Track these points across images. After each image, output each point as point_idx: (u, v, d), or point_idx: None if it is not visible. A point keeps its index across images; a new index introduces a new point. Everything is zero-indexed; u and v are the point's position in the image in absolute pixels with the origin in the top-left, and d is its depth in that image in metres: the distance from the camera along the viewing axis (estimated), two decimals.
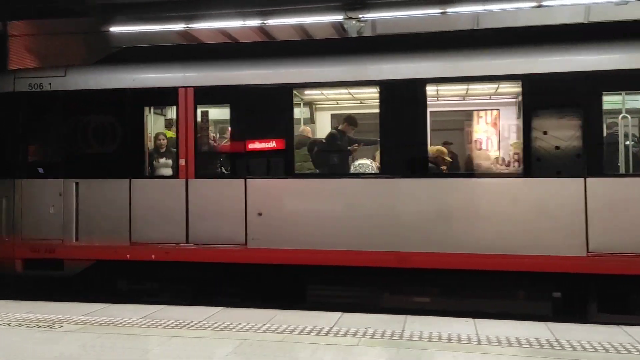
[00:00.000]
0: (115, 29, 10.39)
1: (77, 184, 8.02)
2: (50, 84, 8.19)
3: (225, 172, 7.98)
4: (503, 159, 7.98)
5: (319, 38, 13.27)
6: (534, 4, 9.24)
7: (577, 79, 6.82)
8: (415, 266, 7.11)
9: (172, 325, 6.08)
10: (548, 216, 6.77)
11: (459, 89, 8.19)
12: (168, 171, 8.00)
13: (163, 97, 8.11)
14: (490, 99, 8.55)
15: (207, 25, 10.70)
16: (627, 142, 6.83)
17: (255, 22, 10.45)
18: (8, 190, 8.19)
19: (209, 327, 6.01)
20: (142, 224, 7.82)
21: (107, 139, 8.05)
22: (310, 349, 5.19)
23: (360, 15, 10.12)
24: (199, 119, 7.91)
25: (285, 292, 7.73)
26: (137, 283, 8.01)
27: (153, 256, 7.78)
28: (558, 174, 6.81)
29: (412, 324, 6.02)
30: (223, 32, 13.34)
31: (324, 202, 7.42)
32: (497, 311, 6.79)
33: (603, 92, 6.83)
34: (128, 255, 7.85)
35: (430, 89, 7.45)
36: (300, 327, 5.92)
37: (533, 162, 6.90)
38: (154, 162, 8.11)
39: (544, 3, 9.22)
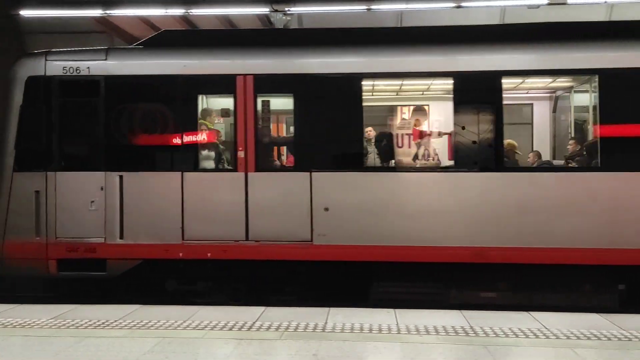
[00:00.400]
0: (26, 12, 9.73)
1: (121, 177, 7.41)
2: (88, 68, 7.50)
3: (286, 165, 7.80)
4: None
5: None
6: (452, 4, 9.39)
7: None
8: (492, 261, 7.01)
9: (86, 325, 5.81)
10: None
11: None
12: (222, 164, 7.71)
13: (219, 85, 7.57)
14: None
15: (127, 12, 10.21)
16: None
17: (178, 11, 10.12)
18: (40, 184, 7.42)
19: (125, 326, 5.79)
20: (196, 220, 7.34)
21: (155, 129, 7.48)
22: (232, 344, 5.11)
23: (287, 9, 10.04)
24: (259, 108, 7.51)
25: (346, 289, 7.43)
26: (185, 283, 7.61)
27: (209, 254, 7.33)
28: None
29: (335, 316, 6.07)
30: (145, 20, 12.83)
31: (394, 196, 7.20)
32: (566, 304, 6.85)
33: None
34: (181, 254, 7.35)
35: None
36: (223, 323, 5.83)
37: None
38: (205, 152, 7.64)
39: (463, 4, 9.36)
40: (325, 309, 6.32)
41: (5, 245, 7.43)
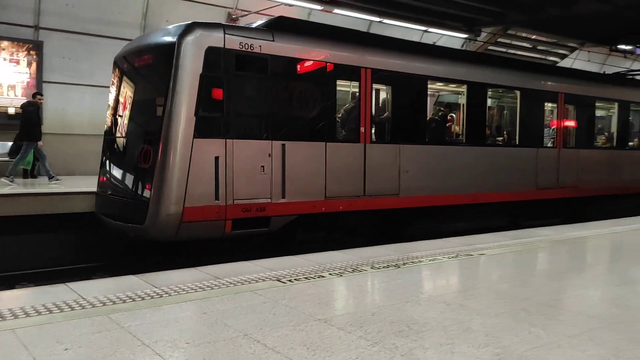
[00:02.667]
0: None
1: (283, 145, 8.01)
2: (260, 46, 7.86)
3: (388, 139, 9.43)
4: None
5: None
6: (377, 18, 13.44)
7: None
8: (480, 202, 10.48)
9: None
10: None
11: None
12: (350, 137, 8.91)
13: (350, 74, 8.82)
14: None
15: None
16: None
17: None
18: (220, 150, 7.44)
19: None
20: (333, 181, 8.48)
21: (308, 105, 8.40)
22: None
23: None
24: (373, 95, 9.21)
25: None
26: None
27: (341, 207, 8.62)
28: None
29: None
30: None
31: (445, 163, 10.02)
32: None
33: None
34: (323, 208, 8.44)
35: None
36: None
37: None
38: (340, 127, 8.97)
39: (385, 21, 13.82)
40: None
41: (185, 210, 7.26)
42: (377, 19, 15.57)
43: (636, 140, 14.57)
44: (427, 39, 19.14)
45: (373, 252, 6.36)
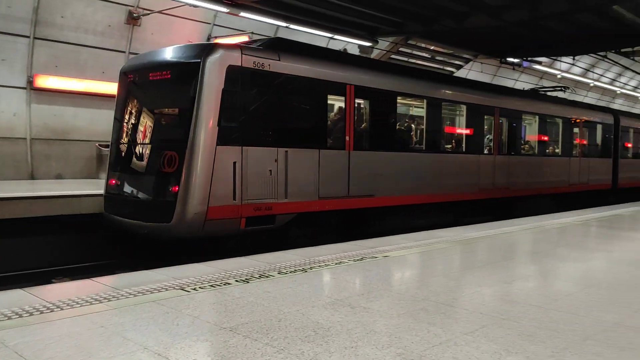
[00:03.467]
0: None
1: (286, 152, 8.96)
2: (269, 65, 8.84)
3: (367, 146, 10.65)
4: None
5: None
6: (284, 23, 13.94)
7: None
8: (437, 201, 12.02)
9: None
10: None
11: None
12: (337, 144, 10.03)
13: (338, 89, 9.98)
14: None
15: None
16: None
17: None
18: (237, 156, 8.36)
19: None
20: (325, 183, 9.57)
21: (306, 116, 9.56)
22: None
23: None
24: (356, 108, 10.30)
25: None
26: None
27: (331, 207, 9.74)
28: None
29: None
30: None
31: (410, 167, 11.58)
32: None
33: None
34: (317, 207, 9.49)
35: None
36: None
37: None
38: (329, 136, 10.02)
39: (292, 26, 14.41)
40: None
41: (209, 209, 8.06)
42: (283, 24, 15.64)
43: (551, 148, 16.68)
44: (333, 46, 19.55)
45: (279, 257, 6.35)
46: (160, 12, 15.27)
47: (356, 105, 10.31)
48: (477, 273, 5.63)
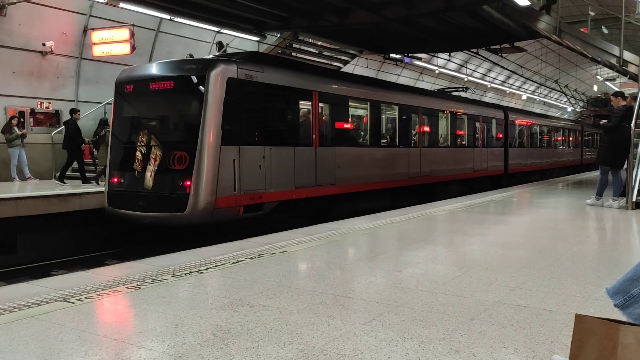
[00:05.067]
0: None
1: (270, 149, 10.70)
2: (257, 76, 10.51)
3: (328, 143, 12.62)
4: None
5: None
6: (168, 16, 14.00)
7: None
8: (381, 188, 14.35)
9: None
10: None
11: None
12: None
13: (306, 95, 11.91)
14: None
15: None
16: None
17: None
18: (235, 154, 9.97)
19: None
20: (299, 174, 11.36)
21: (283, 119, 11.56)
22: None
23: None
24: (319, 111, 12.27)
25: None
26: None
27: (304, 195, 11.52)
28: None
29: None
30: None
31: (360, 159, 13.74)
32: None
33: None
34: (294, 195, 11.26)
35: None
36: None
37: None
38: (301, 135, 11.95)
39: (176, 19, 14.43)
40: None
41: (217, 199, 9.67)
42: (167, 16, 15.06)
43: (459, 140, 19.42)
44: (221, 39, 19.17)
45: (174, 259, 6.13)
46: (27, 1, 14.04)
47: (319, 108, 12.29)
48: (370, 263, 5.81)
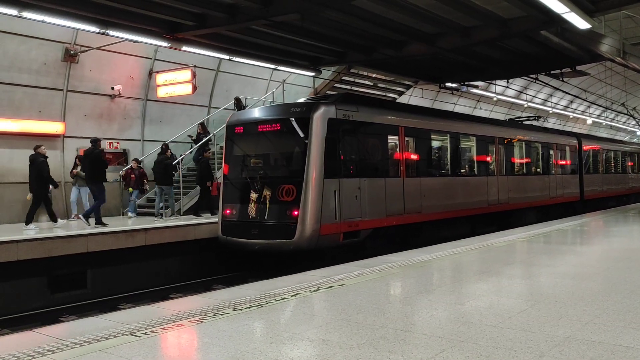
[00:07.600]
0: None
1: (365, 181, 11.70)
2: (353, 116, 11.70)
3: (414, 174, 13.61)
4: None
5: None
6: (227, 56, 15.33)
7: None
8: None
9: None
10: None
11: None
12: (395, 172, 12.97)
13: (394, 130, 13.00)
14: None
15: None
16: None
17: None
18: (336, 186, 11.05)
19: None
20: (389, 204, 12.31)
21: (374, 153, 12.49)
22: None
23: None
24: (405, 144, 13.29)
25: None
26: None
27: (394, 222, 12.38)
28: None
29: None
30: None
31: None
32: None
33: None
34: (385, 223, 12.12)
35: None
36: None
37: None
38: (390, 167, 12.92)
39: (235, 59, 15.61)
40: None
41: (321, 227, 10.70)
42: (226, 56, 15.64)
43: (535, 168, 19.89)
44: (277, 76, 19.66)
45: (234, 292, 6.21)
46: (98, 48, 14.97)
47: (405, 141, 13.26)
48: (431, 296, 5.67)
